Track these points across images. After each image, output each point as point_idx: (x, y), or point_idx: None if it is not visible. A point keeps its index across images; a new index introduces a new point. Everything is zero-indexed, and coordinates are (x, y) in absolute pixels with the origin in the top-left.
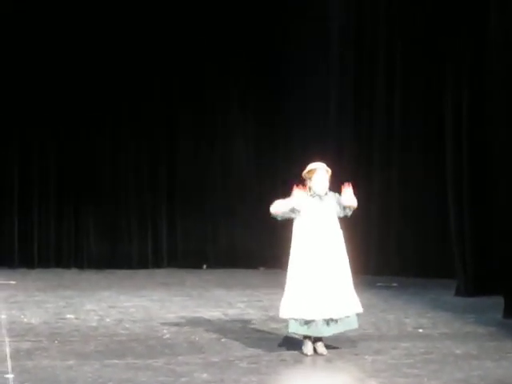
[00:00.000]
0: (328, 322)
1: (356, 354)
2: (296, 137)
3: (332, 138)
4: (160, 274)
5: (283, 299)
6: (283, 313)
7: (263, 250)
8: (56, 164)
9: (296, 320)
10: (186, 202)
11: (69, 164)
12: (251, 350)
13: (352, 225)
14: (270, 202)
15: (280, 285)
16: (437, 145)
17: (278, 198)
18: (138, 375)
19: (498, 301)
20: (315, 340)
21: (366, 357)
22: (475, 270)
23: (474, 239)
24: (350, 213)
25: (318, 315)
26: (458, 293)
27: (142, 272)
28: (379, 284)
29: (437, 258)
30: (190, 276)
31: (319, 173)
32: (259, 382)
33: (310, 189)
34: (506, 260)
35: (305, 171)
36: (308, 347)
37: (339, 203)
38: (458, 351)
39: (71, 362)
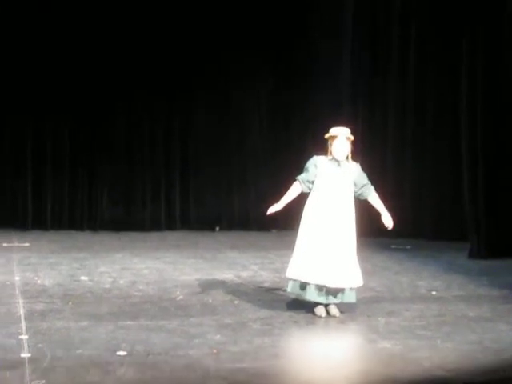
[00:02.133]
0: (322, 288)
1: (369, 316)
2: (311, 108)
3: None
4: (173, 236)
5: (291, 259)
6: (287, 272)
7: (276, 212)
8: (69, 127)
9: (295, 281)
10: (201, 169)
11: (83, 126)
12: (264, 312)
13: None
14: (284, 171)
15: (292, 247)
16: (453, 112)
17: (291, 169)
18: (151, 336)
19: (511, 263)
20: (327, 304)
21: (379, 318)
22: (489, 233)
23: (487, 203)
24: (364, 196)
25: (312, 279)
26: (471, 255)
27: (154, 234)
28: (393, 246)
29: (451, 221)
30: (202, 238)
31: (340, 138)
32: (272, 344)
33: (330, 153)
34: None
35: (327, 135)
36: (320, 309)
37: (359, 178)
38: (471, 314)
39: (85, 324)
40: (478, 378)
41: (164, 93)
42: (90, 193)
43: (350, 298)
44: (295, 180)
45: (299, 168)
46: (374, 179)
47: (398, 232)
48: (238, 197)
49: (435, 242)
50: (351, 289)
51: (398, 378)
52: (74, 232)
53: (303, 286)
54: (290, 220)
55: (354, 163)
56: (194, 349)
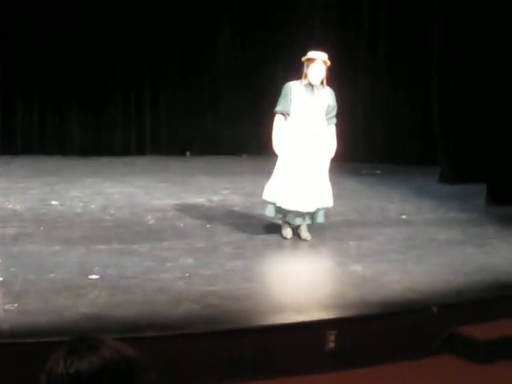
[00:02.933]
0: (300, 213)
1: (340, 240)
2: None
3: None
4: (143, 161)
5: (268, 182)
6: (265, 195)
7: (246, 137)
8: (40, 51)
9: (273, 205)
10: (171, 90)
11: (53, 49)
12: (236, 235)
13: (339, 114)
14: (256, 94)
15: (263, 172)
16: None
17: (262, 93)
18: (123, 260)
19: (481, 188)
20: (298, 226)
21: (350, 242)
22: (459, 157)
23: (458, 127)
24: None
25: (293, 206)
26: (441, 180)
27: (125, 159)
28: (364, 171)
29: (421, 146)
30: (173, 163)
31: (317, 63)
32: (244, 267)
33: (305, 76)
34: (488, 147)
35: (304, 57)
36: (287, 231)
37: (330, 106)
38: (441, 237)
39: (57, 248)
40: (448, 300)
41: (134, 15)
42: (60, 118)
43: (319, 218)
44: (275, 114)
45: (269, 93)
46: (344, 102)
47: (368, 156)
48: (209, 121)
49: (405, 167)
50: (320, 209)
51: (369, 301)
52: (44, 157)
53: (278, 208)
54: (260, 144)
55: (329, 89)
56: (167, 272)
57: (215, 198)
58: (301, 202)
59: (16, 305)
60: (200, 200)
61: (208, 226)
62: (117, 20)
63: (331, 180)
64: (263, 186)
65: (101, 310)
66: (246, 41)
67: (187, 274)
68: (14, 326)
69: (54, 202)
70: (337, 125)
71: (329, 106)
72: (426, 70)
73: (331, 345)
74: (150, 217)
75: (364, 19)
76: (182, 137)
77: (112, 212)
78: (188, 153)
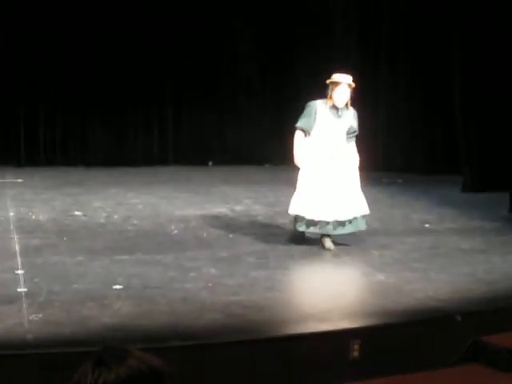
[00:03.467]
0: (334, 223)
1: (363, 250)
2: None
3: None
4: (166, 171)
5: (294, 196)
6: (292, 209)
7: (269, 147)
8: (63, 62)
9: (304, 218)
10: (192, 100)
11: (76, 59)
12: (259, 245)
13: (360, 124)
14: (278, 101)
15: (285, 181)
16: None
17: (284, 102)
18: (147, 270)
19: (504, 196)
20: (322, 236)
21: (373, 251)
22: (481, 166)
23: (480, 136)
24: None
25: (326, 216)
26: (464, 189)
27: (147, 169)
28: (385, 180)
29: (443, 155)
30: (195, 173)
31: (342, 86)
32: (267, 277)
33: (330, 97)
34: (511, 155)
35: (329, 80)
36: (328, 242)
37: (352, 126)
38: (464, 246)
39: (80, 258)
40: (471, 309)
41: (155, 28)
42: (83, 128)
43: (360, 226)
44: (295, 129)
45: (292, 103)
46: (366, 113)
47: (389, 166)
48: (231, 130)
49: (428, 176)
50: (363, 216)
51: (392, 310)
52: (67, 168)
53: (314, 223)
54: (283, 154)
55: (352, 110)
56: (190, 282)
57: (238, 208)
58: (335, 211)
59: (40, 315)
60: (223, 210)
61: (231, 235)
62: (138, 33)
63: None
64: (285, 196)
65: (125, 320)
66: (267, 51)
67: (210, 284)
68: (38, 337)
69: (77, 213)
70: (358, 135)
71: (351, 127)
72: (447, 79)
73: (355, 354)
74: (173, 227)
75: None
76: (204, 146)
77: (135, 222)
78: (210, 162)
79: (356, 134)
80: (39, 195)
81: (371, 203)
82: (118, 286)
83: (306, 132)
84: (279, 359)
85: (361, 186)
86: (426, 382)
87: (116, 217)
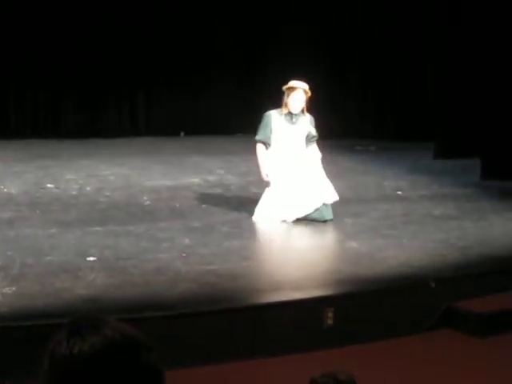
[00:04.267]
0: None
1: (335, 217)
2: None
3: None
4: (138, 142)
5: (259, 204)
6: (256, 216)
7: (240, 116)
8: (32, 35)
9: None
10: (164, 71)
11: (45, 33)
12: (232, 215)
13: (331, 91)
14: (248, 73)
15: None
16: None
17: (255, 71)
18: (119, 241)
19: (475, 162)
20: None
21: (346, 219)
22: (452, 133)
23: (451, 102)
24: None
25: (288, 218)
26: (436, 155)
27: (119, 141)
28: (358, 148)
29: (415, 122)
30: (168, 144)
31: (297, 92)
32: (241, 246)
33: (285, 105)
34: (482, 121)
35: (285, 86)
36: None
37: (310, 132)
38: (436, 212)
39: (53, 231)
40: (444, 275)
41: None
42: (53, 101)
43: (327, 215)
44: (256, 142)
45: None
46: (337, 78)
47: (362, 133)
48: (203, 101)
49: (400, 143)
50: (326, 206)
51: (366, 277)
52: (37, 140)
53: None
54: (254, 124)
55: (309, 116)
56: (163, 253)
57: (210, 178)
58: (293, 212)
59: (14, 288)
60: (195, 180)
61: (204, 205)
62: (113, 13)
63: (325, 157)
64: (258, 166)
65: (98, 292)
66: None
67: (184, 254)
68: (12, 310)
69: (49, 185)
70: (330, 102)
71: (309, 132)
72: (417, 46)
73: (329, 322)
74: (145, 198)
75: None
76: (175, 117)
77: (107, 194)
78: (182, 133)
79: (316, 138)
80: (10, 168)
81: (343, 171)
82: (91, 258)
83: (265, 143)
84: (254, 328)
85: (333, 154)
86: (401, 348)
87: (88, 188)
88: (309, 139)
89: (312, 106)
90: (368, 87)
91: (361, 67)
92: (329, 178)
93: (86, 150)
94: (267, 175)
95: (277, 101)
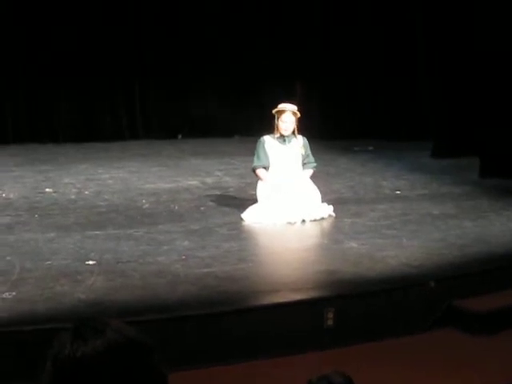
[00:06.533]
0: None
1: (335, 218)
2: None
3: None
4: (135, 145)
5: (251, 206)
6: (246, 215)
7: (237, 118)
8: (27, 39)
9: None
10: (160, 74)
11: (41, 36)
12: (231, 217)
13: (325, 92)
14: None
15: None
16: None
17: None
18: (119, 245)
19: (474, 161)
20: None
21: (345, 219)
22: (451, 132)
23: (449, 101)
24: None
25: (278, 220)
26: (434, 154)
27: (117, 144)
28: (356, 148)
29: (412, 121)
30: (165, 146)
31: (287, 114)
32: (240, 248)
33: (277, 128)
34: (480, 120)
35: (274, 110)
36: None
37: (304, 153)
38: (435, 211)
39: (52, 235)
40: (444, 274)
41: (123, 7)
42: (50, 105)
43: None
44: (254, 169)
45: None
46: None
47: (359, 133)
48: (200, 103)
49: (398, 143)
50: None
51: (365, 277)
52: (35, 145)
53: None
54: (252, 125)
55: (301, 138)
56: (163, 255)
57: (209, 180)
58: (284, 215)
59: (14, 293)
60: (193, 182)
61: (202, 208)
62: (106, 11)
63: (324, 158)
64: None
65: (98, 295)
66: (232, 26)
67: (183, 257)
68: (12, 314)
69: (47, 190)
70: (330, 102)
71: (302, 155)
72: (413, 49)
73: (330, 322)
74: (144, 201)
75: None
76: (172, 120)
77: (106, 197)
78: (179, 135)
79: (314, 165)
80: (9, 173)
81: (342, 171)
82: (90, 262)
83: (265, 168)
84: (254, 330)
85: (332, 154)
86: (402, 348)
87: (87, 192)
88: (304, 162)
89: (311, 107)
90: (366, 87)
91: (358, 67)
92: (328, 178)
93: (83, 153)
94: (267, 177)
95: (275, 103)
